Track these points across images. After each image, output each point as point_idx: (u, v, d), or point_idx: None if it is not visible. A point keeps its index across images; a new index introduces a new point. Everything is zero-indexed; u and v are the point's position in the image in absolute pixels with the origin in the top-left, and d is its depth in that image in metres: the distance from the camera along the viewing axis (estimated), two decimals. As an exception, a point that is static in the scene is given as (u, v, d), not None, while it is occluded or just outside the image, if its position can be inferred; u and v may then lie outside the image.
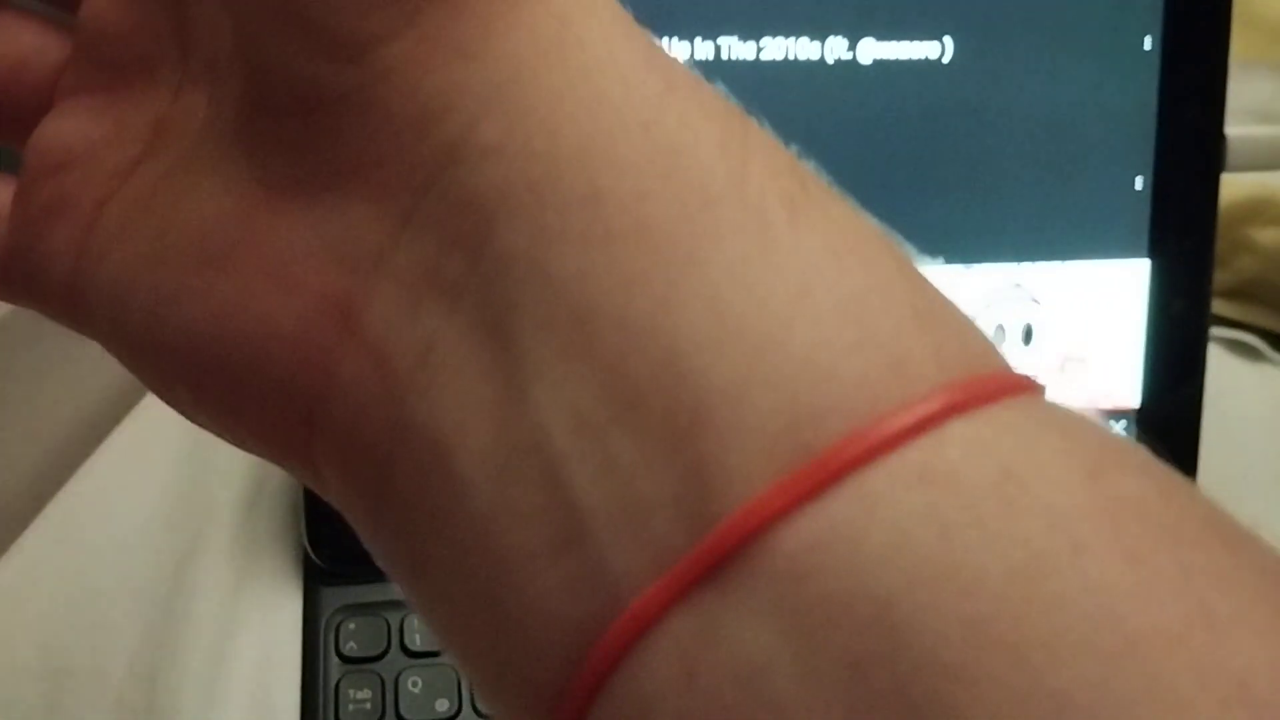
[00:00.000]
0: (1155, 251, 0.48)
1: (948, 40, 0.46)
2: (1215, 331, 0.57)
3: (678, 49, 0.45)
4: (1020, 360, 0.48)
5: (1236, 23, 0.47)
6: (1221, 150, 0.48)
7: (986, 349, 0.18)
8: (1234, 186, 0.58)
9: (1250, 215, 0.60)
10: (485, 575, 0.18)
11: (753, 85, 0.45)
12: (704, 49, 0.45)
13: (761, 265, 0.17)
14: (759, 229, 0.18)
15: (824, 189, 0.19)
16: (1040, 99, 0.46)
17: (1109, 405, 0.49)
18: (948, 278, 0.47)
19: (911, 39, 0.46)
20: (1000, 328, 0.48)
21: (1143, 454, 0.17)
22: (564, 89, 0.19)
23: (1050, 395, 0.18)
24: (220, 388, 0.21)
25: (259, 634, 0.45)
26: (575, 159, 0.18)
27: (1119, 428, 0.49)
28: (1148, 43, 0.47)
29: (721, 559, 0.16)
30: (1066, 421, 0.17)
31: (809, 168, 0.19)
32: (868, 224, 0.19)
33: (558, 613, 0.17)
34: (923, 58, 0.46)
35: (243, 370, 0.21)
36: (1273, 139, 0.50)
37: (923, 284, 0.18)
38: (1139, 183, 0.47)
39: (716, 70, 0.45)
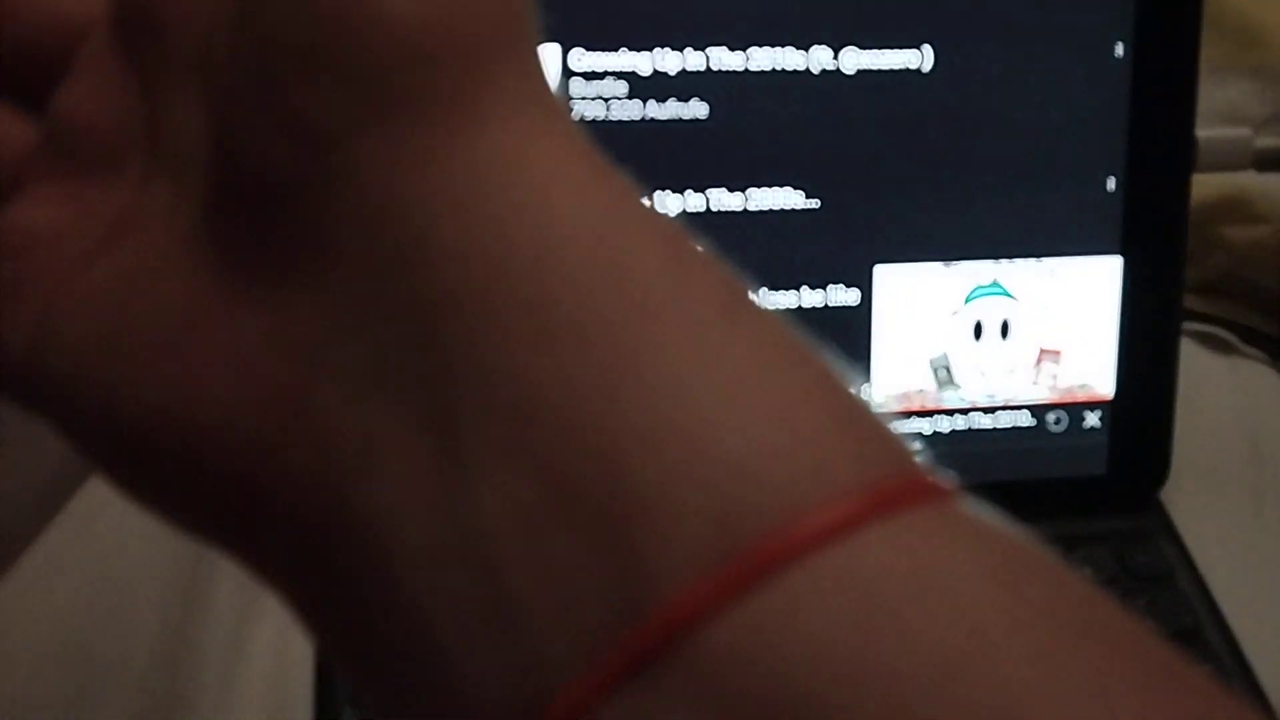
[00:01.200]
0: (1127, 249, 0.49)
1: (927, 49, 0.47)
2: (1188, 325, 0.58)
3: (670, 60, 0.46)
4: (998, 353, 0.50)
5: (1207, 30, 0.48)
6: (1192, 152, 0.49)
7: (905, 455, 0.18)
8: (1207, 186, 0.59)
9: (1223, 213, 0.60)
10: (421, 665, 0.18)
11: (741, 94, 0.46)
12: (695, 59, 0.46)
13: (696, 372, 0.18)
14: (695, 339, 0.18)
15: (756, 304, 0.19)
16: (1016, 104, 0.48)
17: (1084, 397, 0.50)
18: (930, 275, 0.49)
19: (893, 49, 0.47)
20: (979, 323, 0.49)
21: (1052, 559, 0.18)
22: (522, 200, 0.19)
23: (964, 501, 0.18)
24: (170, 473, 0.21)
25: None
26: (526, 266, 0.19)
27: (1094, 418, 0.51)
28: (1119, 50, 0.48)
29: (649, 652, 0.16)
30: (980, 526, 0.18)
31: (743, 282, 0.20)
32: (796, 335, 0.19)
33: (492, 702, 0.18)
34: (903, 66, 0.47)
35: (193, 456, 0.21)
36: (1243, 141, 0.51)
37: (845, 392, 0.19)
38: (1111, 183, 0.49)
39: (707, 80, 0.46)
